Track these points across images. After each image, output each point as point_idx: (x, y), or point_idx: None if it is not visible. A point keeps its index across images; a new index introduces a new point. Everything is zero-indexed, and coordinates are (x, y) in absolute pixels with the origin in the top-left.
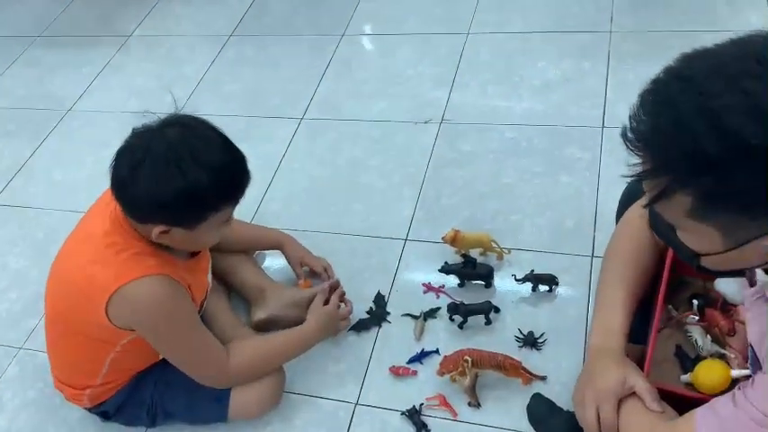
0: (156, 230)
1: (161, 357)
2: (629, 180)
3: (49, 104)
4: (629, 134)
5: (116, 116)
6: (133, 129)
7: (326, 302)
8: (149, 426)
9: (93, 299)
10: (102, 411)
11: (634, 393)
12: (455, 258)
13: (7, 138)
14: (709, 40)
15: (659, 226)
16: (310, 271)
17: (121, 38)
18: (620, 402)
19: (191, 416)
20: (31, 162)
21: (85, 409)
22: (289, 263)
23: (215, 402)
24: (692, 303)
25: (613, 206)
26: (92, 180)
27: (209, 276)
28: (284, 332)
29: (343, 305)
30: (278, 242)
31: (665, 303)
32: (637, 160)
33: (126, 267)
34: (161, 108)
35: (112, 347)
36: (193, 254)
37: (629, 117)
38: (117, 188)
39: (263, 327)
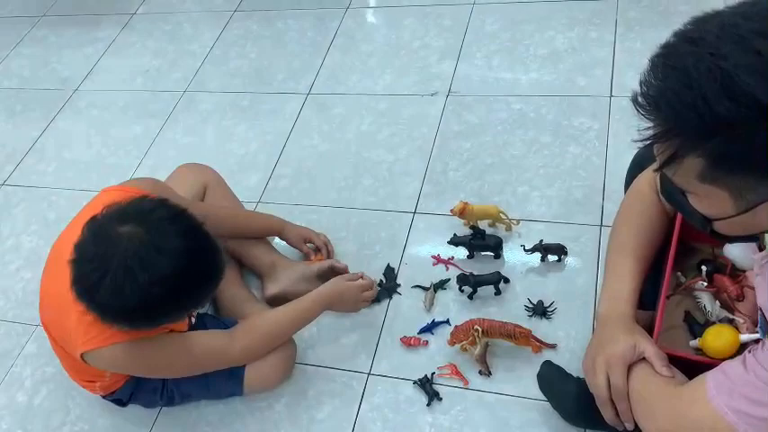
0: (117, 327)
1: None
2: (637, 148)
3: (56, 84)
4: (640, 98)
5: (122, 95)
6: (91, 220)
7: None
8: (169, 405)
9: (70, 343)
10: (117, 399)
11: (644, 359)
12: (464, 230)
13: (15, 118)
14: (717, 5)
15: (670, 192)
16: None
17: (125, 16)
18: (629, 368)
19: (207, 393)
20: (40, 142)
21: (101, 396)
22: (292, 244)
23: (230, 379)
24: (701, 269)
25: (622, 175)
26: (100, 159)
27: None
28: (288, 306)
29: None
30: (276, 228)
31: (674, 270)
32: (647, 125)
33: (93, 333)
34: (166, 86)
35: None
36: None
37: (640, 82)
38: (81, 292)
39: (276, 302)
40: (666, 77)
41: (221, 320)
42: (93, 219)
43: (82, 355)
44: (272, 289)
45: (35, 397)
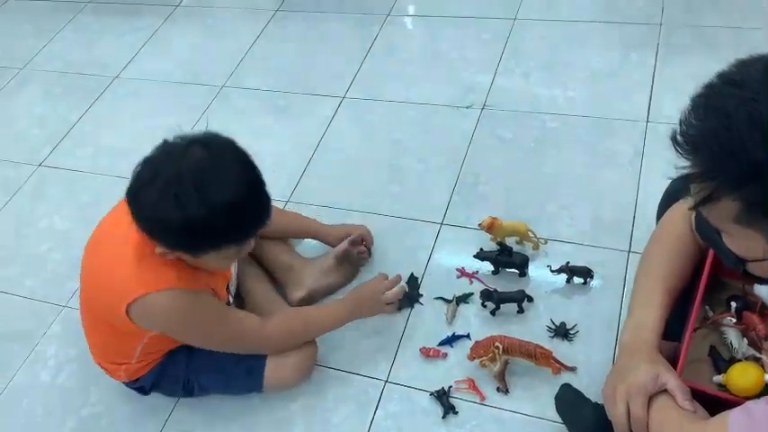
0: (158, 248)
1: None
2: (670, 179)
3: (97, 71)
4: (679, 137)
5: (160, 85)
6: (164, 140)
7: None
8: (187, 396)
9: (116, 299)
10: (139, 387)
11: (666, 391)
12: (490, 245)
13: (55, 100)
14: (760, 37)
15: (705, 230)
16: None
17: (169, 8)
18: (650, 399)
19: (227, 388)
20: (78, 126)
21: (123, 383)
22: (332, 244)
23: (249, 376)
24: (730, 305)
25: (654, 202)
26: (135, 147)
27: (235, 269)
28: (321, 307)
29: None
30: (312, 229)
31: (702, 303)
32: (685, 163)
33: (146, 277)
34: (204, 80)
35: (141, 338)
36: None
37: (680, 120)
38: (128, 197)
39: (303, 303)
40: (707, 119)
41: None
42: (164, 141)
43: (129, 307)
44: (299, 292)
45: (57, 377)
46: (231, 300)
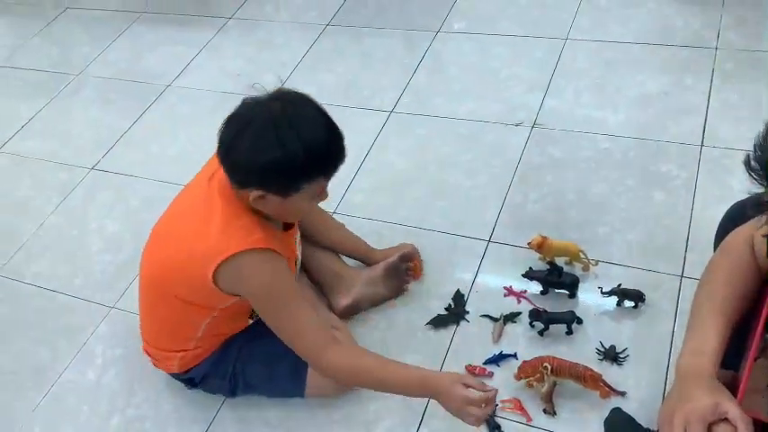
0: (253, 195)
1: (248, 325)
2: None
3: (149, 79)
4: (753, 162)
5: (211, 95)
6: (243, 99)
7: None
8: (230, 396)
9: (202, 263)
10: (189, 378)
11: (725, 420)
12: (539, 265)
13: (108, 106)
14: None
15: None
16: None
17: (221, 20)
18: (709, 428)
19: (269, 388)
20: (130, 132)
21: (171, 375)
22: (387, 267)
23: (293, 377)
24: None
25: (708, 227)
26: (184, 154)
27: (299, 250)
28: (397, 366)
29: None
30: (362, 251)
31: (764, 332)
32: (759, 189)
33: (237, 237)
34: (254, 91)
35: (210, 312)
36: (286, 228)
37: (754, 145)
38: (221, 152)
39: (348, 311)
40: None
41: None
42: (243, 100)
43: (219, 267)
44: (344, 300)
45: (103, 376)
46: (296, 274)
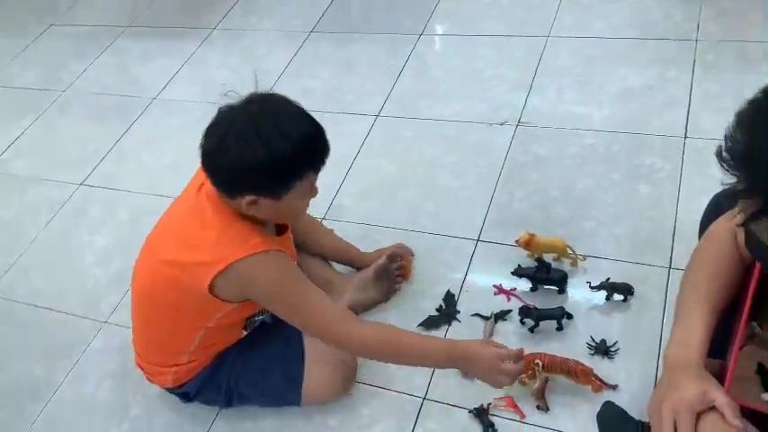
0: (244, 201)
1: (241, 337)
2: (715, 193)
3: (136, 92)
4: (725, 153)
5: (197, 106)
6: (219, 108)
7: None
8: (225, 407)
9: (196, 274)
10: (184, 392)
11: (713, 408)
12: (527, 262)
13: (95, 121)
14: None
15: (755, 245)
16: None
17: (206, 30)
18: (698, 417)
19: (265, 398)
20: (118, 146)
21: (166, 389)
22: (377, 269)
23: (289, 385)
24: None
25: (694, 218)
26: (173, 166)
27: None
28: (424, 337)
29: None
30: (352, 256)
31: (750, 320)
32: (731, 179)
33: (233, 246)
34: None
35: (204, 323)
36: (279, 232)
37: (725, 136)
38: (206, 161)
39: None
40: (752, 135)
41: (285, 328)
42: (219, 108)
43: (217, 277)
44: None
45: (98, 391)
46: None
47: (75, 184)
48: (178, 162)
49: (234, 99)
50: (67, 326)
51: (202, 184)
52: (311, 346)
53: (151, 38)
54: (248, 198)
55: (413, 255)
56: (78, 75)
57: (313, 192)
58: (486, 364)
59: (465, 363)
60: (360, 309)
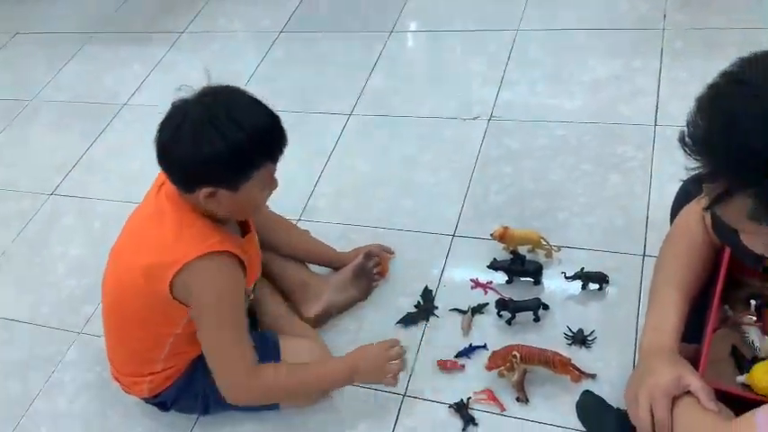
0: (202, 194)
1: None
2: (683, 179)
3: (104, 99)
4: (687, 139)
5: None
6: (171, 102)
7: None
8: (203, 414)
9: (158, 276)
10: (160, 402)
11: (689, 392)
12: (503, 255)
13: (64, 130)
14: (764, 38)
15: (721, 229)
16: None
17: (174, 35)
18: (674, 401)
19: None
20: (88, 154)
21: (143, 399)
22: (355, 268)
23: None
24: (750, 304)
25: (666, 205)
26: (144, 172)
27: (260, 258)
28: (317, 364)
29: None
30: (329, 257)
31: (722, 303)
32: (695, 164)
33: (192, 244)
34: None
35: (173, 329)
36: (244, 233)
37: (686, 122)
38: (161, 155)
39: (321, 320)
40: (713, 118)
41: (262, 333)
42: (172, 103)
43: (175, 277)
44: (315, 308)
45: (75, 403)
46: (251, 296)
47: (46, 194)
48: (149, 169)
49: (188, 93)
50: (42, 338)
51: (162, 185)
52: (287, 348)
53: (118, 43)
54: (206, 191)
55: (391, 252)
56: (46, 83)
57: (273, 183)
58: (374, 362)
59: (356, 370)
60: (336, 311)
